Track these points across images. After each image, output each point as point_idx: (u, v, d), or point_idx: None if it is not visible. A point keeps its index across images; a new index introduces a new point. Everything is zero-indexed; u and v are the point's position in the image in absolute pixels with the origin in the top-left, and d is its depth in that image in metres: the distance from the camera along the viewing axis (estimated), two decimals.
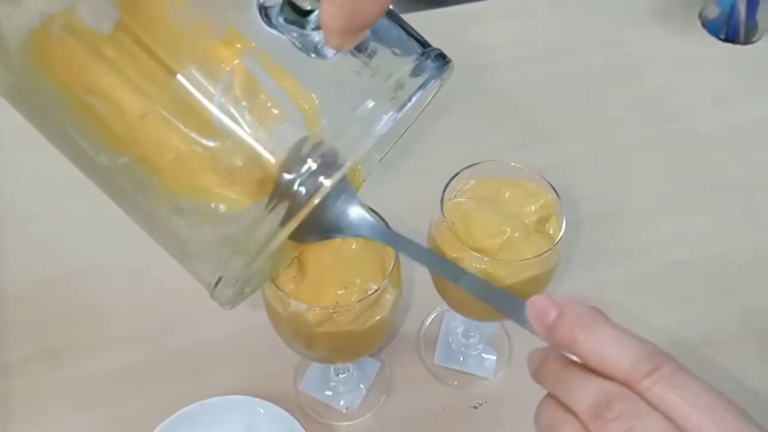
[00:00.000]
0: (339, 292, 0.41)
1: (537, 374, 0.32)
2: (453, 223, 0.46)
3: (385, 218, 0.45)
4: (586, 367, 0.30)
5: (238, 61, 0.33)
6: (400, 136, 0.44)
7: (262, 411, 0.51)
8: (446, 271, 0.38)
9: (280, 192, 0.33)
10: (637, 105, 0.76)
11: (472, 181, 0.48)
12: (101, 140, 0.35)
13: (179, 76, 0.33)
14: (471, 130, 0.72)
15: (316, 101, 0.34)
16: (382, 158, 0.44)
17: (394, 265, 0.43)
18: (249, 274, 0.35)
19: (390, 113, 0.33)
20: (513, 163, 0.48)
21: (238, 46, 0.33)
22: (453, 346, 0.58)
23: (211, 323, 0.57)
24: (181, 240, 0.37)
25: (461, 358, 0.57)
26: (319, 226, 0.40)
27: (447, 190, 0.47)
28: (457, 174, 0.47)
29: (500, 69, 0.78)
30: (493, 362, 0.57)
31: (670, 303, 0.60)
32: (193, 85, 0.33)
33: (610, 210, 0.67)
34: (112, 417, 0.53)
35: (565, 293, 0.59)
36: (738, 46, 0.81)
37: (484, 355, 0.57)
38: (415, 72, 0.34)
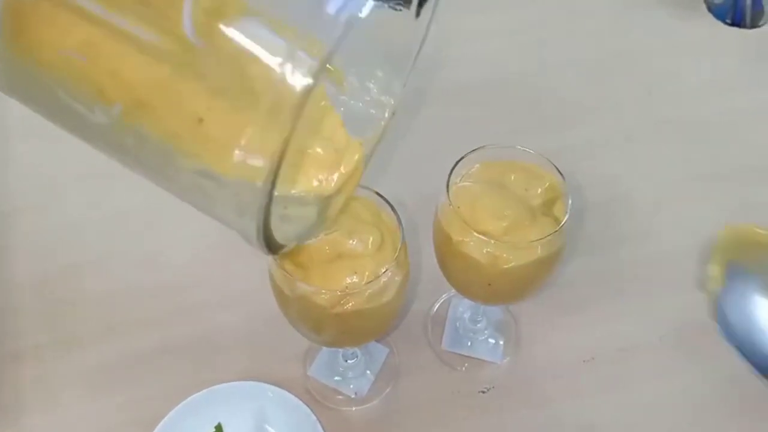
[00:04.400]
0: (347, 276, 0.42)
1: None
2: (459, 207, 0.46)
3: (392, 203, 0.45)
4: None
5: None
6: (417, 56, 0.40)
7: (271, 396, 0.52)
8: None
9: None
10: (642, 90, 0.75)
11: (477, 165, 0.49)
12: (91, 94, 0.33)
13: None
14: (475, 116, 0.71)
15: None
16: (404, 85, 0.41)
17: (400, 247, 0.43)
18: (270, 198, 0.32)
19: None
20: (518, 147, 0.48)
21: None
22: (461, 332, 0.58)
23: (220, 310, 0.58)
24: (197, 186, 0.35)
25: (469, 343, 0.57)
26: None
27: (452, 174, 0.47)
28: (462, 158, 0.48)
29: (504, 53, 0.77)
30: (501, 347, 0.57)
31: (676, 288, 0.60)
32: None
33: (616, 195, 0.66)
34: (123, 403, 0.53)
35: (571, 277, 0.59)
36: (744, 30, 0.80)
37: (491, 340, 0.57)
38: None
